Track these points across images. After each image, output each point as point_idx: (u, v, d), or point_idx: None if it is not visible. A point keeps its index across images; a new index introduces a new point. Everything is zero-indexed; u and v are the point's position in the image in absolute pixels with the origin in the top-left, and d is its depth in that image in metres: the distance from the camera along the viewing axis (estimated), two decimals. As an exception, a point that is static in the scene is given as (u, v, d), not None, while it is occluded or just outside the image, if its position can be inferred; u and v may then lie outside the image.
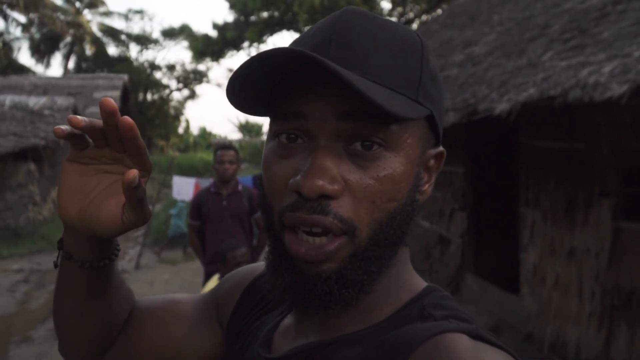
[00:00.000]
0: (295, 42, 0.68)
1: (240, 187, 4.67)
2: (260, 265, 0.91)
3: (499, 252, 6.15)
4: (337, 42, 0.63)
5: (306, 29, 0.67)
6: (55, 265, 0.77)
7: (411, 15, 19.90)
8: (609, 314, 4.01)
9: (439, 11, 15.33)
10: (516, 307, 5.19)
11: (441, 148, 0.72)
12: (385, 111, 0.57)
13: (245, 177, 8.42)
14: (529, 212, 4.97)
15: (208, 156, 28.22)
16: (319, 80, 0.61)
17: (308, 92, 0.62)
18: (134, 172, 0.61)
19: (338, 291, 0.62)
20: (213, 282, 3.64)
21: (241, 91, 0.64)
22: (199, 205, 4.61)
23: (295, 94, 0.63)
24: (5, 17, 26.41)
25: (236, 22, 20.28)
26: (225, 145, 4.70)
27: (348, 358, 0.64)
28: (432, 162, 0.70)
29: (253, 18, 19.80)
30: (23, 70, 26.64)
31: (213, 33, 21.69)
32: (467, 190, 6.22)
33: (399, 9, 19.70)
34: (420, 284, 0.71)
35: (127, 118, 0.62)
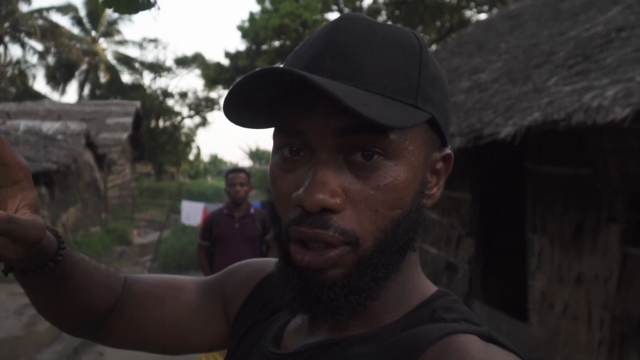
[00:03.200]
0: (295, 52, 0.69)
1: (252, 210, 4.68)
2: (271, 262, 0.90)
3: (507, 279, 6.09)
4: (331, 53, 0.63)
5: None
6: (5, 274, 0.74)
7: (421, 44, 20.07)
8: (618, 341, 3.95)
9: (449, 40, 15.47)
10: (524, 335, 5.12)
11: (448, 150, 0.71)
12: (376, 123, 0.57)
13: (254, 202, 8.44)
14: (536, 238, 4.94)
15: (218, 183, 28.35)
16: (314, 96, 0.61)
17: (305, 109, 0.62)
18: None
19: (344, 297, 0.63)
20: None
21: (238, 109, 0.65)
22: (210, 226, 4.63)
23: (292, 110, 0.63)
24: (23, 45, 26.93)
25: (248, 50, 20.57)
26: (236, 169, 4.73)
27: (358, 356, 0.65)
28: (439, 164, 0.70)
29: (265, 47, 20.08)
30: (38, 97, 27.08)
31: (225, 61, 22.02)
32: (474, 216, 6.19)
33: (409, 39, 19.88)
34: (431, 288, 0.72)
35: None
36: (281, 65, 0.64)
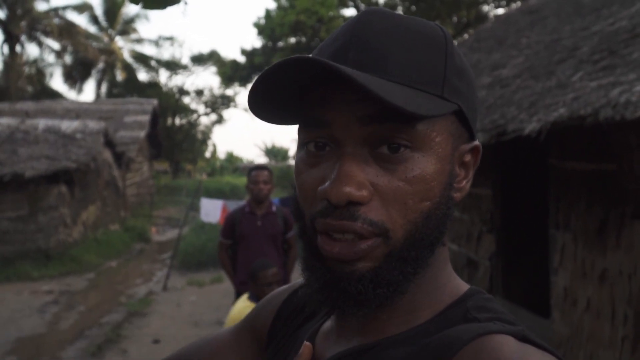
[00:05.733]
0: (319, 48, 0.69)
1: (274, 208, 4.71)
2: (294, 284, 0.92)
3: (529, 275, 6.06)
4: (356, 45, 0.63)
5: None
6: None
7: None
8: (643, 338, 3.92)
9: (466, 36, 15.38)
10: (547, 331, 5.10)
11: (476, 142, 0.70)
12: (402, 110, 0.56)
13: (273, 199, 8.47)
14: (559, 234, 4.91)
15: (235, 180, 28.47)
16: (339, 87, 0.61)
17: (330, 100, 0.62)
18: None
19: (373, 290, 0.62)
20: (242, 301, 3.66)
21: (262, 103, 0.65)
22: (232, 225, 4.65)
23: (318, 102, 0.63)
24: (40, 44, 27.20)
25: (264, 48, 20.60)
26: (259, 166, 4.78)
27: None
28: (467, 157, 0.70)
29: (281, 44, 20.09)
30: (56, 95, 27.36)
31: (241, 59, 22.07)
32: (495, 212, 6.17)
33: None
34: (463, 286, 0.71)
35: None
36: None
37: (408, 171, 0.62)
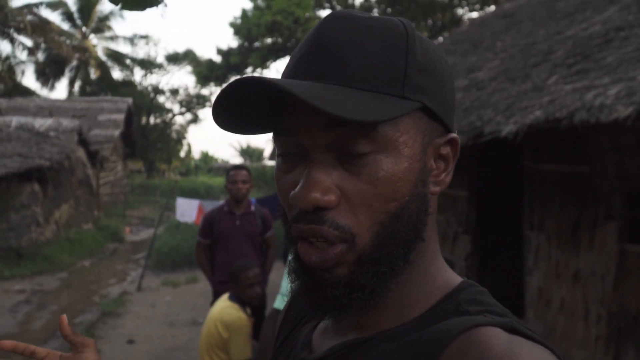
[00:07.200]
0: (292, 54, 0.71)
1: (253, 208, 4.70)
2: None
3: (504, 275, 6.14)
4: (315, 54, 0.64)
5: None
6: None
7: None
8: (615, 337, 4.00)
9: (441, 39, 15.52)
10: (521, 331, 5.17)
11: (452, 135, 0.70)
12: (350, 121, 0.57)
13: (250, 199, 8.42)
14: (533, 235, 4.99)
15: (209, 180, 28.30)
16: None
17: (293, 108, 0.64)
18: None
19: (348, 295, 0.64)
20: (222, 301, 3.64)
21: (228, 118, 0.66)
22: (211, 224, 4.63)
23: (284, 111, 0.65)
24: (12, 41, 26.64)
25: (240, 47, 20.51)
26: (237, 166, 4.77)
27: (383, 354, 0.64)
28: (445, 150, 0.69)
29: (257, 44, 20.02)
30: (28, 93, 26.78)
31: (217, 58, 21.94)
32: (470, 213, 6.24)
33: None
34: (455, 279, 0.71)
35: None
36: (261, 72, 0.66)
37: (372, 173, 0.63)
